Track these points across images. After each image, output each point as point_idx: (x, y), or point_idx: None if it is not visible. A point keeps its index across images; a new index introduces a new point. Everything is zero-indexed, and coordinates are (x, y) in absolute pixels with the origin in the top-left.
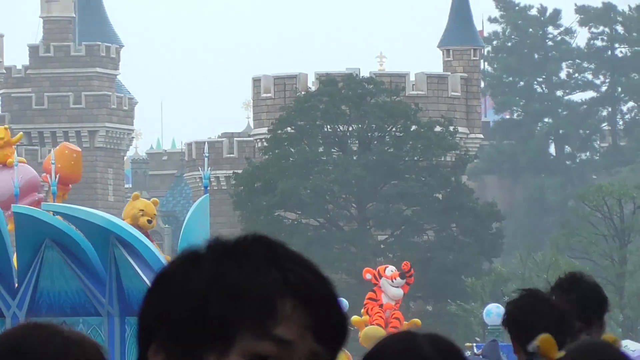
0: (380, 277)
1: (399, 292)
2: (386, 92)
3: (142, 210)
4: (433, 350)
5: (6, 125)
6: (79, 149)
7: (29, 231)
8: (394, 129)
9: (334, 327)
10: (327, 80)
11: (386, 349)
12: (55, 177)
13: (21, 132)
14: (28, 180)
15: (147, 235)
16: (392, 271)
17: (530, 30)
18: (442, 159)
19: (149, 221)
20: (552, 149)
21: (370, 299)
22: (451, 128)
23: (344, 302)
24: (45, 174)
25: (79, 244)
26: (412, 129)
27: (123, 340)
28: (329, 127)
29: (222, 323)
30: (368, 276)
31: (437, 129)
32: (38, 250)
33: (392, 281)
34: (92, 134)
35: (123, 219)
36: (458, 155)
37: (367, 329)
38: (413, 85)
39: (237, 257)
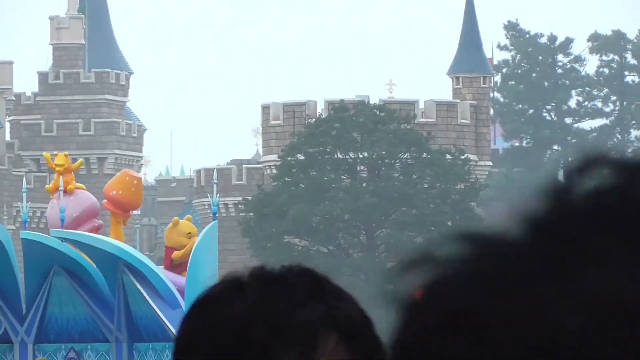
0: None
1: None
2: (397, 120)
3: (189, 232)
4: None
5: (66, 153)
6: (140, 176)
7: (37, 257)
8: (405, 156)
9: None
10: (338, 107)
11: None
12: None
13: (81, 159)
14: (88, 206)
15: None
16: None
17: (540, 57)
18: (454, 186)
19: None
20: (561, 177)
21: None
22: (462, 157)
23: None
24: (105, 200)
25: (87, 271)
26: (423, 156)
27: None
28: (339, 154)
29: (265, 353)
30: None
31: (448, 156)
32: (46, 276)
33: None
34: (101, 161)
35: (167, 246)
36: (470, 183)
37: None
38: (422, 112)
39: (282, 287)
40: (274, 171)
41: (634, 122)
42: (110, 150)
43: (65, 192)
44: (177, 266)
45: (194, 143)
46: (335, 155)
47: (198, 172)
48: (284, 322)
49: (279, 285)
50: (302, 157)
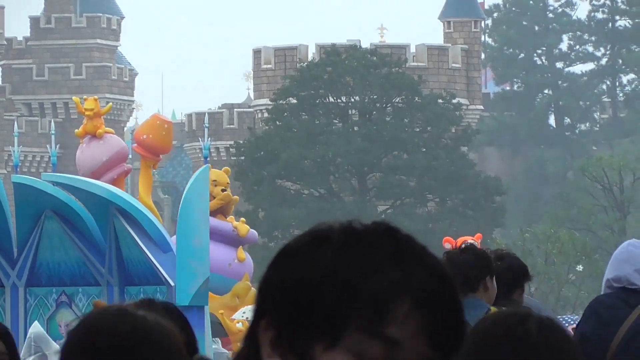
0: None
1: None
2: (389, 64)
3: (215, 180)
4: (541, 336)
5: (95, 97)
6: (170, 120)
7: (29, 201)
8: (396, 101)
9: (450, 332)
10: (330, 51)
11: (494, 329)
12: (137, 145)
13: (110, 103)
14: (117, 151)
15: (223, 212)
16: (473, 243)
17: (531, 2)
18: (445, 131)
19: (223, 190)
20: (552, 121)
21: None
22: (454, 101)
23: None
24: (135, 144)
25: (79, 215)
26: (414, 101)
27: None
28: (331, 98)
29: (334, 315)
30: (447, 246)
31: (440, 101)
32: (38, 220)
33: None
34: None
35: None
36: (461, 128)
37: None
38: (413, 57)
39: (363, 248)
40: (266, 115)
41: (624, 66)
42: (101, 94)
43: (94, 136)
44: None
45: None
46: (327, 99)
47: (189, 116)
48: (356, 287)
49: (360, 245)
50: (294, 101)
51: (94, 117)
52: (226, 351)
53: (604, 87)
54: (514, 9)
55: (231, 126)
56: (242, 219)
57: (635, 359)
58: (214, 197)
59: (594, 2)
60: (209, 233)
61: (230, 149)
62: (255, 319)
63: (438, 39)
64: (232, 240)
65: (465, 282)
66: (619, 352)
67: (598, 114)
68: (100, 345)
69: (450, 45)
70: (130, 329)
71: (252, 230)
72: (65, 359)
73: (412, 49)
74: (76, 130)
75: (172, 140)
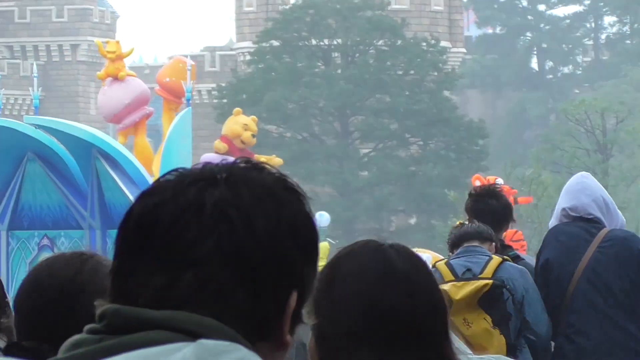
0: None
1: None
2: (371, 7)
3: (246, 124)
4: (402, 260)
5: (117, 40)
6: (193, 63)
7: (10, 144)
8: (379, 43)
9: None
10: None
11: (353, 250)
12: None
13: (132, 47)
14: (139, 93)
15: (249, 152)
16: (501, 183)
17: None
18: (428, 74)
19: (253, 136)
20: (534, 64)
21: None
22: (437, 45)
23: (326, 216)
24: (159, 87)
25: (61, 157)
26: (397, 44)
27: (104, 253)
28: (313, 40)
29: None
30: (477, 183)
31: (422, 44)
32: (20, 163)
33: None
34: (74, 48)
35: (223, 133)
36: (444, 71)
37: None
38: None
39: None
40: (248, 58)
41: (607, 9)
42: (83, 37)
43: (116, 78)
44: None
45: (167, 30)
46: (310, 42)
47: (171, 59)
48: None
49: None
50: (277, 44)
51: (116, 60)
52: None
53: (586, 29)
54: None
55: (213, 69)
56: (274, 155)
57: (598, 284)
58: (241, 140)
59: None
60: None
61: (213, 92)
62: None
63: None
64: None
65: (495, 225)
66: (583, 278)
67: (580, 56)
68: (43, 284)
69: None
70: (76, 271)
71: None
72: (17, 296)
73: None
74: (98, 72)
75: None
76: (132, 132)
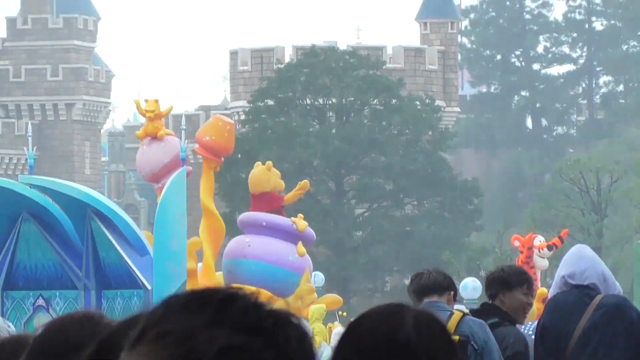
0: (528, 248)
1: (545, 263)
2: (366, 66)
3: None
4: (415, 329)
5: (156, 99)
6: (232, 122)
7: (5, 204)
8: (374, 102)
9: None
10: (308, 52)
11: (369, 319)
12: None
13: (171, 105)
14: (177, 152)
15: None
16: (540, 241)
17: (508, 3)
18: (422, 134)
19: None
20: (528, 123)
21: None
22: (433, 104)
23: (320, 276)
24: (198, 146)
25: (55, 217)
26: (392, 103)
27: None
28: (308, 99)
29: None
30: (516, 243)
31: (417, 103)
32: (14, 223)
33: (540, 252)
34: (69, 107)
35: (252, 187)
36: (439, 130)
37: None
38: (390, 58)
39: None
40: (243, 117)
41: (601, 68)
42: (78, 96)
43: (154, 137)
44: (267, 202)
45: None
46: (305, 101)
47: (166, 118)
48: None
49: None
50: (271, 103)
51: (155, 119)
52: None
53: (581, 89)
54: (490, 10)
55: None
56: (300, 214)
57: (594, 350)
58: (278, 190)
59: (570, 3)
60: (270, 229)
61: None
62: None
63: (415, 40)
64: (291, 235)
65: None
66: (579, 343)
67: (575, 115)
68: (60, 347)
69: (426, 46)
70: (91, 334)
71: (309, 228)
72: (28, 357)
73: (389, 51)
74: (137, 132)
75: (234, 142)
76: None
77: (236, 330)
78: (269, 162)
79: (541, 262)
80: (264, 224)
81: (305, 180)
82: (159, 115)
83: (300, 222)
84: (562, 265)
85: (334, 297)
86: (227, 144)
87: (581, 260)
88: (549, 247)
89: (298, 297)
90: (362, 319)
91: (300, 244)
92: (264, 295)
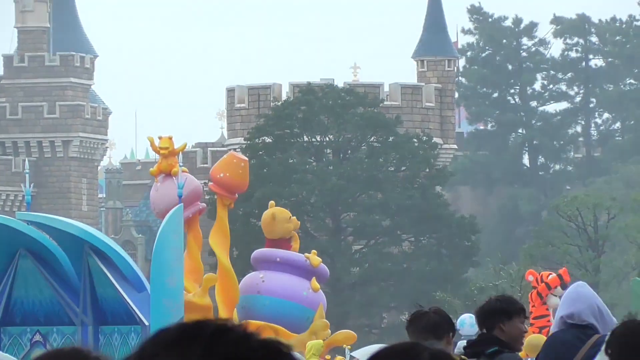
0: (543, 282)
1: (557, 301)
2: (364, 103)
3: (290, 217)
4: None
5: (170, 135)
6: (246, 158)
7: (3, 240)
8: (371, 140)
9: None
10: (305, 90)
11: (388, 353)
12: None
13: (185, 142)
14: (192, 189)
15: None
16: (550, 276)
17: (505, 41)
18: (420, 171)
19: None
20: (525, 160)
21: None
22: (430, 141)
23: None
24: (211, 183)
25: (53, 254)
26: (389, 140)
27: (97, 349)
28: (305, 137)
29: None
30: (530, 278)
31: (414, 140)
32: (12, 259)
33: (553, 289)
34: (66, 144)
35: (270, 237)
36: (436, 167)
37: (532, 337)
38: (387, 95)
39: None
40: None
41: (598, 105)
42: (75, 133)
43: (168, 175)
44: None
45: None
46: (302, 138)
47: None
48: None
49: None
50: (269, 140)
51: (169, 156)
52: None
53: (578, 126)
54: (487, 48)
55: (205, 165)
56: (314, 250)
57: None
58: (289, 232)
59: (567, 40)
60: (284, 265)
61: (204, 188)
62: None
63: (412, 78)
64: (305, 271)
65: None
66: None
67: (572, 153)
68: None
69: (424, 84)
70: None
71: (323, 264)
72: None
73: (386, 88)
74: (151, 169)
75: (248, 179)
76: (185, 229)
77: None
78: (273, 211)
79: (554, 300)
80: (278, 259)
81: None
82: (173, 152)
83: (314, 258)
84: (561, 305)
85: (347, 333)
86: (242, 181)
87: (578, 301)
88: (562, 286)
89: (312, 332)
90: (379, 356)
91: (314, 279)
92: (281, 332)
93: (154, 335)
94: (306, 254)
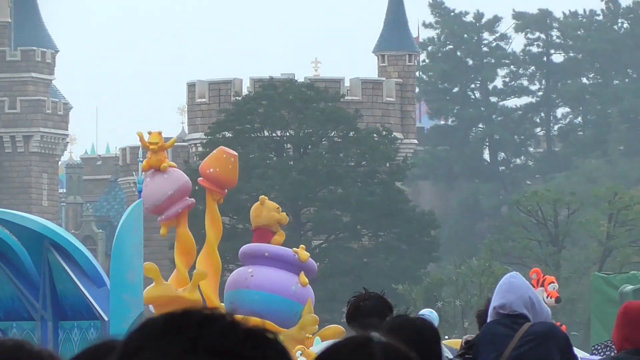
0: (542, 286)
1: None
2: (325, 98)
3: (278, 207)
4: (385, 357)
5: (159, 131)
6: (236, 153)
7: None
8: (332, 135)
9: None
10: (266, 85)
11: (339, 351)
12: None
13: (174, 137)
14: (181, 185)
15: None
16: (554, 288)
17: (466, 36)
18: (380, 166)
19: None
20: (486, 155)
21: None
22: (390, 136)
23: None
24: (201, 178)
25: (13, 249)
26: (350, 135)
27: (56, 345)
28: (266, 132)
29: None
30: (534, 276)
31: (374, 135)
32: None
33: (547, 298)
34: (27, 139)
35: (255, 225)
36: (396, 162)
37: None
38: (348, 90)
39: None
40: (200, 149)
41: (559, 100)
42: (36, 128)
43: (158, 170)
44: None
45: (120, 121)
46: (263, 133)
47: (123, 150)
48: None
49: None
50: (229, 135)
51: (158, 151)
52: None
53: (538, 121)
54: (448, 43)
55: None
56: (302, 245)
57: None
58: (273, 224)
59: (528, 35)
60: (273, 259)
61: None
62: None
63: (372, 73)
64: (293, 266)
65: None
66: None
67: (532, 148)
68: None
69: (384, 79)
70: None
71: (311, 259)
72: None
73: (347, 83)
74: (141, 163)
75: (238, 174)
76: (174, 223)
77: (212, 357)
78: (262, 197)
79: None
80: (267, 254)
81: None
82: (162, 147)
83: (302, 253)
84: (494, 296)
85: (336, 328)
86: (232, 176)
87: (510, 292)
88: (557, 300)
89: (301, 327)
90: (329, 353)
91: (302, 274)
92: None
93: (140, 326)
94: (294, 248)
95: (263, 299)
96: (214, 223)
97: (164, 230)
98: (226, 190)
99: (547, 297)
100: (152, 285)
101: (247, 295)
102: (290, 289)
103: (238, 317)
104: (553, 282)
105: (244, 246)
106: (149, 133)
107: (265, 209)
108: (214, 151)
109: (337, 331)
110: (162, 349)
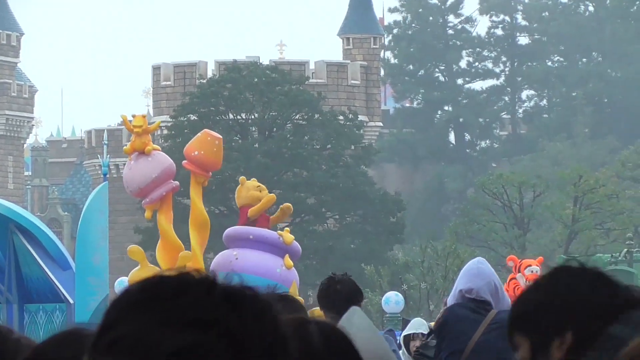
0: (519, 271)
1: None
2: (289, 81)
3: (259, 186)
4: (323, 340)
5: (144, 114)
6: (220, 136)
7: None
8: (296, 118)
9: None
10: (231, 68)
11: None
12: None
13: (159, 121)
14: (165, 167)
15: (266, 216)
16: (531, 272)
17: (431, 18)
18: (345, 149)
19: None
20: (451, 137)
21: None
22: (355, 120)
23: None
24: (185, 161)
25: None
26: (315, 118)
27: (22, 328)
28: (231, 114)
29: None
30: (510, 263)
31: (339, 118)
32: None
33: (526, 282)
34: None
35: (241, 205)
36: (361, 145)
37: None
38: (313, 73)
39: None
40: (165, 132)
41: (524, 82)
42: (1, 111)
43: (142, 153)
44: (255, 221)
45: (85, 104)
46: (227, 116)
47: (89, 132)
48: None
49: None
50: (194, 118)
51: (142, 134)
52: None
53: (504, 104)
54: (413, 25)
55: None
56: (287, 228)
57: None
58: (253, 202)
59: (493, 18)
60: (257, 242)
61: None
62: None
63: (337, 56)
64: (278, 248)
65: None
66: (474, 353)
67: (498, 130)
68: None
69: (349, 61)
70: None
71: (296, 242)
72: None
73: (312, 66)
74: (124, 147)
75: (222, 156)
76: (157, 206)
77: (186, 327)
78: (242, 177)
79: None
80: (251, 237)
81: (287, 204)
82: (147, 130)
83: (287, 235)
84: (460, 278)
85: (316, 310)
86: (216, 159)
87: (478, 278)
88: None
89: None
90: None
91: (287, 256)
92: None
93: (119, 296)
94: (279, 231)
95: (248, 282)
96: (197, 206)
97: (148, 213)
98: (210, 173)
99: (526, 282)
100: (137, 267)
101: (232, 278)
102: (275, 272)
103: (217, 278)
104: (530, 265)
105: (229, 229)
106: (133, 116)
107: (244, 189)
108: (199, 134)
109: (321, 315)
110: (137, 321)
